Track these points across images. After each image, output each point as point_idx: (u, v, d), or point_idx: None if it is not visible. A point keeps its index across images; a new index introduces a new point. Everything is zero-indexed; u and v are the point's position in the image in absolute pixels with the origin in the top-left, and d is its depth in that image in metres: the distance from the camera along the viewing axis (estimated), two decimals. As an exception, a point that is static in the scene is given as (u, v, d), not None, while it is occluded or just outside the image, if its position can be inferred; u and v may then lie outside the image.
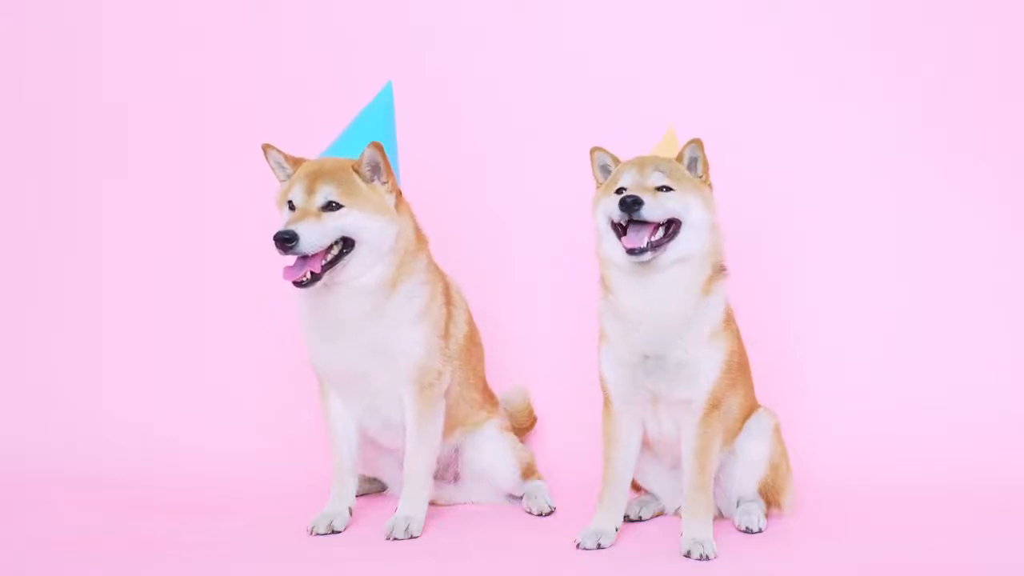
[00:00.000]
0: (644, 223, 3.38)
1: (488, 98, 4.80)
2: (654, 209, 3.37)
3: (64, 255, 4.93)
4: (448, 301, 3.87)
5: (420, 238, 3.78)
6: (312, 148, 3.77)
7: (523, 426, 4.43)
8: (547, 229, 4.71)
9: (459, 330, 3.91)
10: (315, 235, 3.49)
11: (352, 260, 3.57)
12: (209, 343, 4.82)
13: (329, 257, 3.55)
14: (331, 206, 3.54)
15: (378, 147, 3.59)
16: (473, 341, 4.02)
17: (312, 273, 3.52)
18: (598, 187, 3.61)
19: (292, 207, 3.56)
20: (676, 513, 3.81)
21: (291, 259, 3.56)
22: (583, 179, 3.73)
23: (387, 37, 4.82)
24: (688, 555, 3.39)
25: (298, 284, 3.52)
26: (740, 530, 3.68)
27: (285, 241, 3.45)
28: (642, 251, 3.36)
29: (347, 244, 3.57)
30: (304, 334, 3.75)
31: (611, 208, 3.44)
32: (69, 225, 4.94)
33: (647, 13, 4.78)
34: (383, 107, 3.77)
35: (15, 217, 4.97)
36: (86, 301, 4.89)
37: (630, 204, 3.34)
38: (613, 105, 4.71)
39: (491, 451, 4.00)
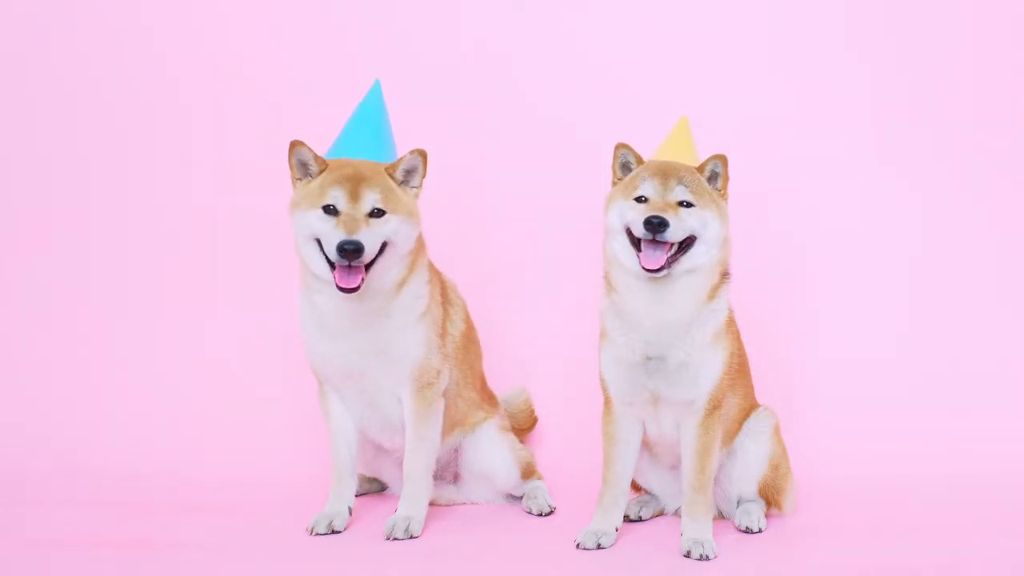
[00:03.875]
0: (658, 242, 3.36)
1: (488, 97, 4.79)
2: (677, 231, 3.36)
3: (64, 254, 4.92)
4: (445, 300, 3.87)
5: (422, 240, 3.79)
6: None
7: (523, 426, 4.43)
8: (547, 229, 4.71)
9: (456, 329, 3.91)
10: (372, 244, 3.49)
11: (378, 262, 3.57)
12: (209, 343, 4.82)
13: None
14: (375, 212, 3.54)
15: (422, 154, 3.63)
16: (470, 340, 4.02)
17: (362, 279, 3.51)
18: (615, 183, 3.58)
19: (329, 211, 3.53)
20: (676, 513, 3.80)
21: (310, 261, 3.58)
22: (584, 179, 3.73)
23: (382, 35, 4.83)
24: (688, 555, 3.39)
25: (352, 291, 3.50)
26: (740, 530, 3.68)
27: (354, 252, 3.43)
28: (656, 271, 3.36)
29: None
30: (303, 333, 3.75)
31: (630, 217, 3.41)
32: (70, 224, 4.93)
33: (646, 13, 4.78)
34: (375, 106, 3.76)
35: (16, 215, 4.97)
36: (86, 301, 4.88)
37: (656, 226, 3.32)
38: (614, 104, 4.70)
39: (491, 451, 4.00)
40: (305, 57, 4.85)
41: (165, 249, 4.89)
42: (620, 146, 3.57)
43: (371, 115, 3.73)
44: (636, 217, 3.38)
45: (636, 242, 3.41)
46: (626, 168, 3.57)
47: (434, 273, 3.84)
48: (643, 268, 3.36)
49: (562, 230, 4.61)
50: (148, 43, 4.91)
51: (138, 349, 4.85)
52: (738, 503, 3.77)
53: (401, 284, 3.64)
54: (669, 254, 3.38)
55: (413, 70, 4.72)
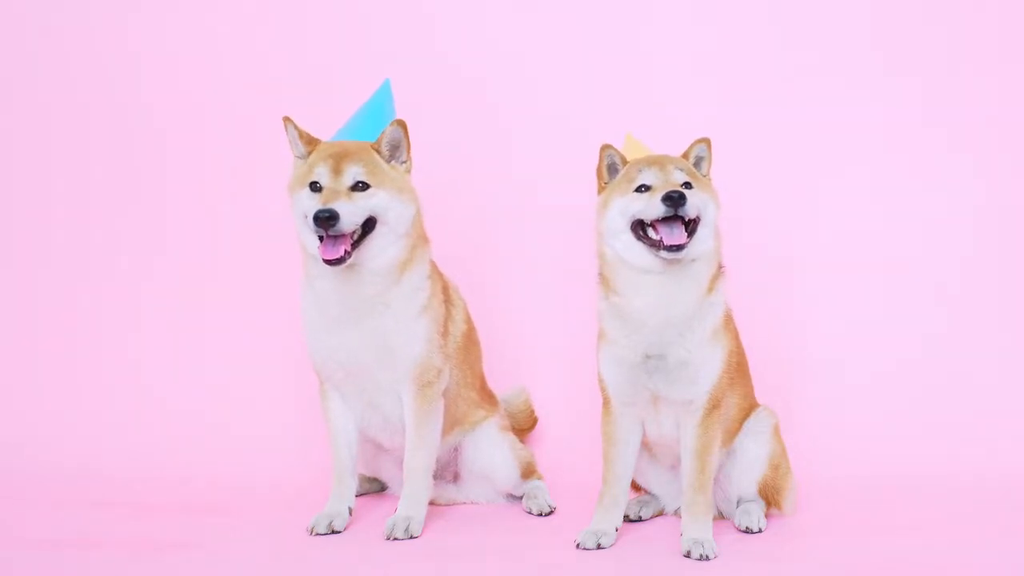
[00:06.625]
0: (675, 220, 3.37)
1: (489, 98, 4.80)
2: (692, 206, 3.38)
3: (64, 252, 4.93)
4: (447, 299, 3.88)
5: (425, 234, 3.79)
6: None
7: (523, 427, 4.43)
8: (546, 229, 4.71)
9: (457, 328, 3.91)
10: (351, 214, 3.50)
11: (371, 240, 3.58)
12: (209, 342, 4.82)
13: (354, 238, 3.55)
14: (359, 186, 3.55)
15: (402, 125, 3.63)
16: (471, 340, 4.02)
17: (346, 251, 3.52)
18: (603, 186, 3.59)
19: (315, 188, 3.56)
20: (676, 513, 3.81)
21: (306, 241, 3.61)
22: (585, 179, 3.72)
23: (382, 35, 4.84)
24: (688, 555, 3.39)
25: (336, 262, 3.51)
26: (740, 530, 3.68)
27: (327, 219, 3.45)
28: (681, 247, 3.36)
29: (367, 224, 3.57)
30: (305, 327, 3.75)
31: (637, 207, 3.42)
32: (70, 222, 4.94)
33: (648, 14, 4.79)
34: (382, 104, 3.78)
35: (16, 211, 4.97)
36: (88, 301, 4.89)
37: (676, 199, 3.33)
38: (616, 105, 4.71)
39: (490, 450, 4.01)
40: (311, 56, 4.86)
41: (168, 248, 4.90)
42: (605, 147, 3.59)
43: (377, 110, 3.74)
44: (645, 205, 3.40)
45: (640, 236, 3.42)
46: (612, 169, 3.58)
47: (436, 272, 3.85)
48: (666, 248, 3.35)
49: (563, 230, 4.61)
50: (153, 41, 4.93)
51: (138, 349, 4.85)
52: (738, 503, 3.77)
53: (401, 269, 3.64)
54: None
55: (417, 71, 4.71)
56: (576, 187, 4.16)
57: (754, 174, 4.60)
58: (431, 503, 3.80)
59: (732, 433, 3.72)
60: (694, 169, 3.54)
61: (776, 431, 3.80)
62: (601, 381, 3.59)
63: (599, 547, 3.49)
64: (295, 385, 4.52)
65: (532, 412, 4.48)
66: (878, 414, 4.53)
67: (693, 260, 3.44)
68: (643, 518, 3.83)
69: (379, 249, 3.60)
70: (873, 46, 4.72)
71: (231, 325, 4.81)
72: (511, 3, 4.84)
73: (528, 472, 4.07)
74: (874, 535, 3.63)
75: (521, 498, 4.05)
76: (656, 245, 3.39)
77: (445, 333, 3.82)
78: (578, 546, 3.50)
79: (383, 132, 3.65)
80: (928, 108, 4.69)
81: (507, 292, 4.72)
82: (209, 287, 4.85)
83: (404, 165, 3.69)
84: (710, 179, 3.59)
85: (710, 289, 3.48)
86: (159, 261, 4.89)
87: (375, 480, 4.24)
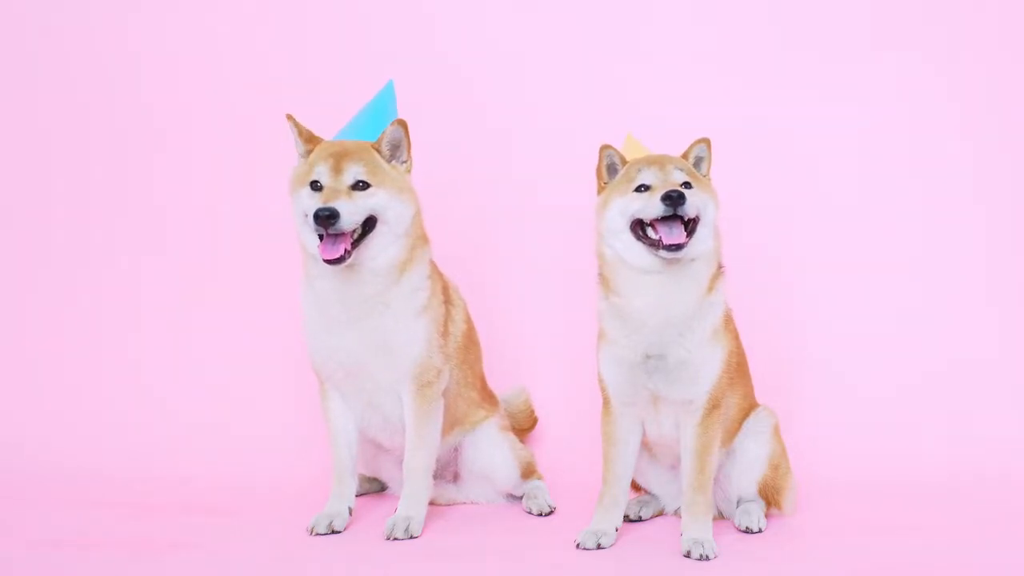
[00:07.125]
0: (675, 220, 3.37)
1: (490, 98, 4.80)
2: (691, 205, 3.38)
3: (64, 252, 4.93)
4: (447, 300, 3.88)
5: (425, 234, 3.79)
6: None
7: (523, 427, 4.43)
8: (546, 229, 4.71)
9: (457, 328, 3.91)
10: (352, 213, 3.50)
11: (371, 240, 3.58)
12: (209, 342, 4.82)
13: (354, 237, 3.55)
14: (359, 185, 3.55)
15: (402, 125, 3.64)
16: (471, 340, 4.02)
17: (346, 250, 3.52)
18: (603, 187, 3.59)
19: (315, 186, 3.56)
20: (676, 513, 3.81)
21: (306, 240, 3.61)
22: (585, 179, 3.73)
23: (382, 35, 4.84)
24: (688, 555, 3.39)
25: (335, 261, 3.51)
26: (740, 530, 3.68)
27: (328, 218, 3.45)
28: (680, 247, 3.36)
29: (367, 224, 3.58)
30: (306, 328, 3.75)
31: (636, 207, 3.42)
32: (69, 221, 4.94)
33: (641, 14, 4.79)
34: (384, 104, 3.78)
35: (16, 211, 4.97)
36: (87, 299, 4.89)
37: (675, 199, 3.33)
38: (616, 106, 4.71)
39: (491, 450, 4.01)
40: (311, 56, 4.86)
41: (168, 250, 4.90)
42: (605, 147, 3.59)
43: (379, 110, 3.75)
44: (644, 204, 3.40)
45: (640, 236, 3.42)
46: (612, 169, 3.59)
47: (436, 272, 3.85)
48: (666, 247, 3.35)
49: (563, 230, 4.61)
50: (153, 41, 4.93)
51: (138, 349, 4.85)
52: (738, 503, 3.77)
53: (400, 269, 3.64)
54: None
55: (417, 71, 4.71)
56: (576, 187, 4.16)
57: (754, 174, 4.60)
58: (431, 503, 3.80)
59: (732, 433, 3.73)
60: (694, 169, 3.55)
61: (776, 431, 3.80)
62: (601, 381, 3.59)
63: (599, 547, 3.49)
64: (295, 385, 4.52)
65: (532, 412, 4.49)
66: (878, 414, 4.53)
67: (693, 260, 3.44)
68: (643, 518, 3.83)
69: (379, 249, 3.60)
70: (873, 46, 4.73)
71: (231, 325, 4.81)
72: (511, 3, 4.84)
73: (528, 472, 4.07)
74: (874, 535, 3.64)
75: (521, 498, 4.05)
76: (656, 245, 3.39)
77: (445, 333, 3.82)
78: (578, 546, 3.50)
79: (384, 132, 3.65)
80: (927, 108, 4.69)
81: (507, 292, 4.72)
82: (209, 287, 4.85)
83: (404, 165, 3.69)
84: (710, 179, 3.59)
85: (710, 289, 3.49)
86: (159, 261, 4.90)
87: (375, 480, 4.24)
